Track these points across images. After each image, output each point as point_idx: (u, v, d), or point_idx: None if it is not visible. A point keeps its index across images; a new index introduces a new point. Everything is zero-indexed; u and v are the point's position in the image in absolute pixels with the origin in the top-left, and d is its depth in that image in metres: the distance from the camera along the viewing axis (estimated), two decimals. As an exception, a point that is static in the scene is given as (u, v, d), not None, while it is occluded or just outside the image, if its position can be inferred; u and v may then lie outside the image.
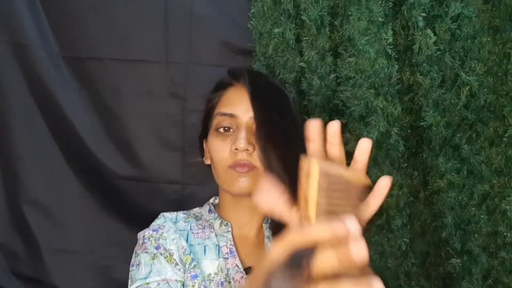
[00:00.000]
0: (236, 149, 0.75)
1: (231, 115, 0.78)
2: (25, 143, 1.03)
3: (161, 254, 0.74)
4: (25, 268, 1.04)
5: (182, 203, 1.03)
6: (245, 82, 0.79)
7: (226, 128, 0.78)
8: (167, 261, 0.74)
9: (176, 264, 0.74)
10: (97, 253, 1.05)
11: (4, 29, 1.02)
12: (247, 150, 0.75)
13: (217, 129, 0.79)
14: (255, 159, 0.76)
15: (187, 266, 0.75)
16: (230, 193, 0.79)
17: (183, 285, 0.72)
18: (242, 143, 0.74)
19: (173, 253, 0.75)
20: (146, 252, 0.75)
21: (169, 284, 0.71)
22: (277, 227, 0.80)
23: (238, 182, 0.76)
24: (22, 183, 1.04)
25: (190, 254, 0.76)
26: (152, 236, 0.77)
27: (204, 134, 0.86)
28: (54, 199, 1.04)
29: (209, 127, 0.82)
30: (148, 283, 0.70)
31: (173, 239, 0.77)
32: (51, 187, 1.04)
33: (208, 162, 0.85)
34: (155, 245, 0.76)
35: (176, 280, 0.72)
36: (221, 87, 0.84)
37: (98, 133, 1.04)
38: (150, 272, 0.72)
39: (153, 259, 0.74)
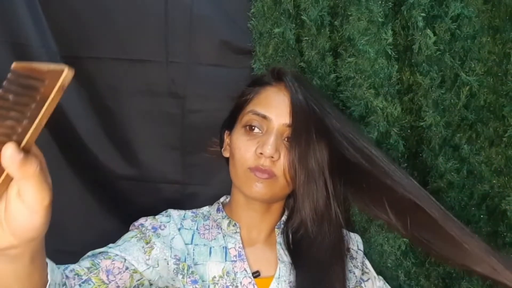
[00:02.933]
0: (261, 153, 0.72)
1: (264, 117, 0.74)
2: (24, 143, 1.03)
3: (143, 239, 0.72)
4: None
5: (182, 203, 1.03)
6: (287, 85, 0.76)
7: (253, 127, 0.75)
8: (144, 252, 0.71)
9: (148, 259, 0.70)
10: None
11: (3, 29, 1.01)
12: (272, 157, 0.72)
13: (245, 126, 0.76)
14: (278, 167, 0.72)
15: (185, 271, 0.73)
16: (243, 194, 0.77)
17: (140, 275, 0.68)
18: (269, 149, 0.71)
19: (154, 248, 0.72)
20: (133, 231, 0.75)
21: (124, 262, 0.68)
22: (290, 233, 0.78)
23: (254, 186, 0.73)
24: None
25: (185, 261, 0.73)
26: (147, 229, 0.74)
27: (227, 125, 0.83)
28: (52, 198, 1.04)
29: (236, 120, 0.80)
30: (108, 251, 0.69)
31: (164, 242, 0.73)
32: (50, 187, 1.04)
33: (226, 154, 0.82)
34: (143, 231, 0.74)
35: (132, 265, 0.68)
36: (258, 83, 0.81)
37: (97, 132, 1.04)
38: (119, 246, 0.70)
39: (131, 238, 0.72)
